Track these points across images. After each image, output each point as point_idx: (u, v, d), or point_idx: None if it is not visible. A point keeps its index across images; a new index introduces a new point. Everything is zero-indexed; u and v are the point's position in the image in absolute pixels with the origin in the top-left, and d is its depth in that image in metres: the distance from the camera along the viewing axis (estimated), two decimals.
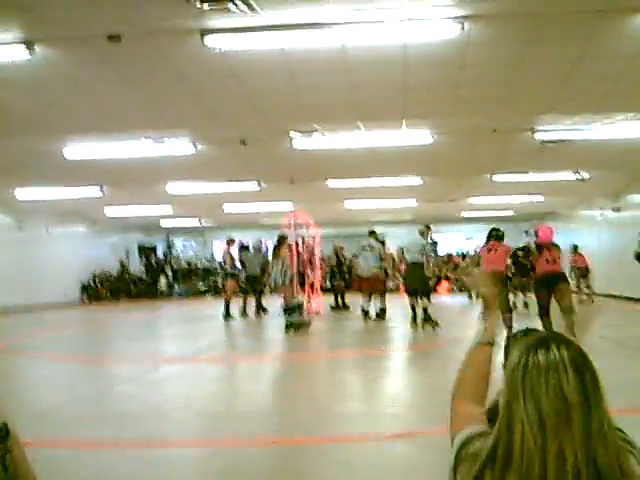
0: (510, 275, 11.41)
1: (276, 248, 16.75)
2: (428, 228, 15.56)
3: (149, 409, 7.51)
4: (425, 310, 14.19)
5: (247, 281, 19.57)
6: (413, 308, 14.55)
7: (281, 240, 16.70)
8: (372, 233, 17.23)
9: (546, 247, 10.36)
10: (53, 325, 18.98)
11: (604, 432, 1.56)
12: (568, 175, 17.82)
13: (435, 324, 13.85)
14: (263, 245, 20.64)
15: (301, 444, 5.87)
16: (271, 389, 8.75)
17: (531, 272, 10.64)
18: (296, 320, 15.25)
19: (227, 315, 18.27)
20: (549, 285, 10.23)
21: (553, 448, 1.54)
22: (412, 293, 14.60)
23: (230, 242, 19.95)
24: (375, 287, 16.61)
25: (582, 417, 1.55)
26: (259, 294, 19.29)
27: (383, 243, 17.69)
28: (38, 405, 6.83)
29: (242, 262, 19.99)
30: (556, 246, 10.53)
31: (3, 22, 7.22)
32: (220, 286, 26.91)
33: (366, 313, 16.35)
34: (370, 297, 16.53)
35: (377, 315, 16.43)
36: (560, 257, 10.54)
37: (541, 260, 10.31)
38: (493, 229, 11.66)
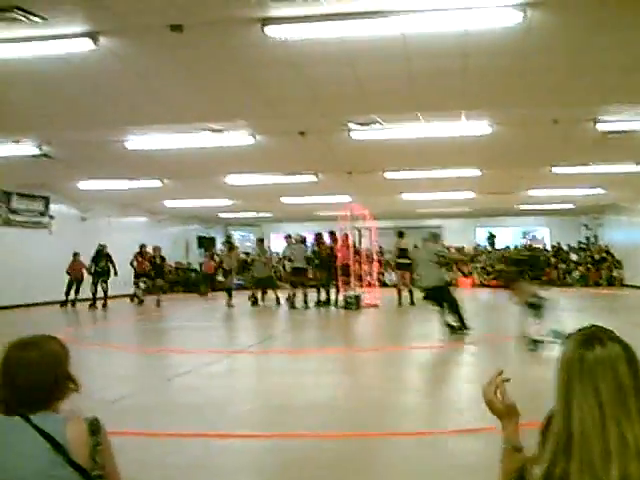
0: None
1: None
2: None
3: (212, 400, 7.59)
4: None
5: (293, 274, 19.85)
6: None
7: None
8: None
9: None
10: (115, 315, 19.34)
11: None
12: (631, 167, 17.43)
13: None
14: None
15: (365, 438, 5.85)
16: (334, 382, 8.72)
17: None
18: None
19: (292, 306, 18.90)
20: None
21: (613, 430, 1.71)
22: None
23: (289, 237, 20.52)
24: None
25: (636, 402, 1.75)
26: (322, 287, 19.41)
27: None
28: (105, 394, 6.94)
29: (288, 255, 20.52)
30: None
31: (68, 14, 7.38)
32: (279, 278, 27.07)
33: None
34: None
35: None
36: None
37: None
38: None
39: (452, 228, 33.82)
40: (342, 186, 21.06)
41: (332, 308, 18.80)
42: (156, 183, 19.87)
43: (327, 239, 19.99)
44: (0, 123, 12.30)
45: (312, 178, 19.03)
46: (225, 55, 8.68)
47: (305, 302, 18.99)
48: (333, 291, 19.31)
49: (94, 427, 2.26)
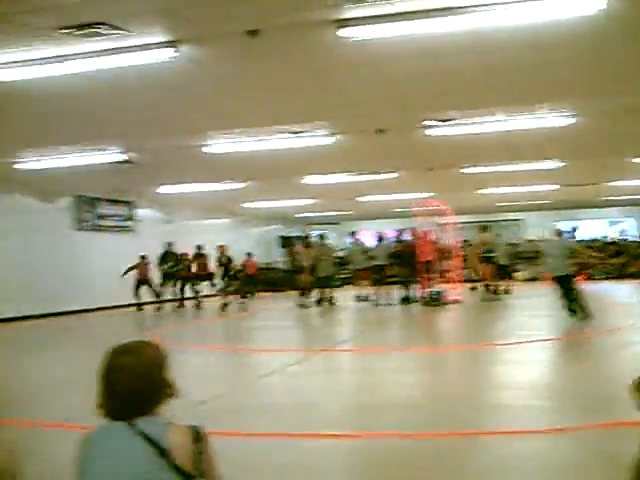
0: None
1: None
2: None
3: (300, 399, 7.66)
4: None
5: (374, 272, 19.80)
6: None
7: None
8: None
9: None
10: (205, 315, 19.70)
11: None
12: None
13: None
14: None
15: (455, 437, 5.77)
16: (421, 380, 8.69)
17: None
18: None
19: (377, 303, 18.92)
20: None
21: None
22: None
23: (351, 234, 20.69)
24: None
25: None
26: (404, 284, 19.36)
27: None
28: (195, 395, 6.99)
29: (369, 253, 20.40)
30: None
31: (149, 24, 7.57)
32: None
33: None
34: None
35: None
36: None
37: None
38: None
39: (532, 221, 33.24)
40: (421, 182, 20.99)
41: (415, 305, 18.74)
42: (237, 185, 20.18)
43: (408, 236, 19.94)
44: (86, 133, 12.72)
45: (391, 175, 19.01)
46: (301, 57, 8.76)
47: (388, 300, 18.99)
48: (415, 288, 19.23)
49: (197, 434, 2.29)
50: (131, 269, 20.50)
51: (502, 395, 7.64)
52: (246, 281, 23.52)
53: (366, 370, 9.68)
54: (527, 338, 11.54)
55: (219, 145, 14.13)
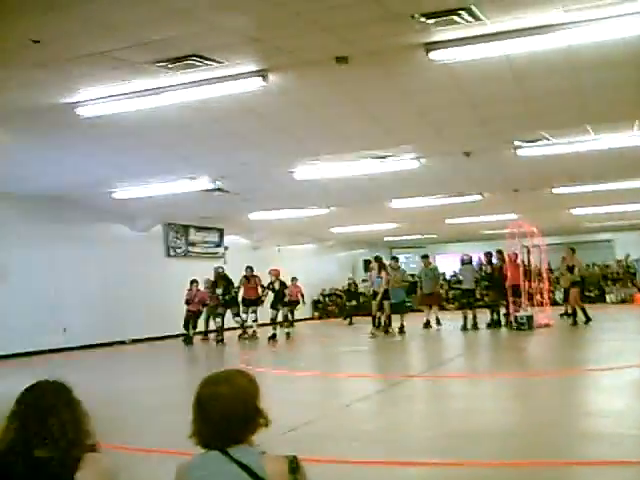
0: None
1: None
2: None
3: (390, 426, 7.62)
4: None
5: (462, 296, 19.51)
6: None
7: None
8: None
9: None
10: (290, 340, 19.73)
11: None
12: None
13: None
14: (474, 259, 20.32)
15: (551, 467, 5.63)
16: (511, 407, 8.49)
17: None
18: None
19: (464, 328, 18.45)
20: None
21: None
22: None
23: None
24: None
25: None
26: (491, 307, 19.04)
27: None
28: (285, 421, 6.90)
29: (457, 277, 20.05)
30: None
31: (239, 54, 7.77)
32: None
33: None
34: None
35: None
36: None
37: None
38: None
39: (622, 241, 32.26)
40: (507, 204, 20.71)
41: (503, 329, 18.40)
42: (323, 211, 20.35)
43: (494, 258, 19.60)
44: (178, 162, 13.08)
45: (477, 198, 18.83)
46: (390, 82, 8.83)
47: (474, 324, 18.69)
48: (503, 311, 18.89)
49: (294, 465, 2.32)
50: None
51: (598, 423, 7.35)
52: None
53: (456, 396, 9.52)
54: (621, 363, 11.15)
55: (306, 171, 14.30)
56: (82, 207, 18.20)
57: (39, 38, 6.88)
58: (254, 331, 18.84)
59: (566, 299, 19.46)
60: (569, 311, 19.06)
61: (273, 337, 18.11)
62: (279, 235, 26.77)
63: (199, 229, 23.25)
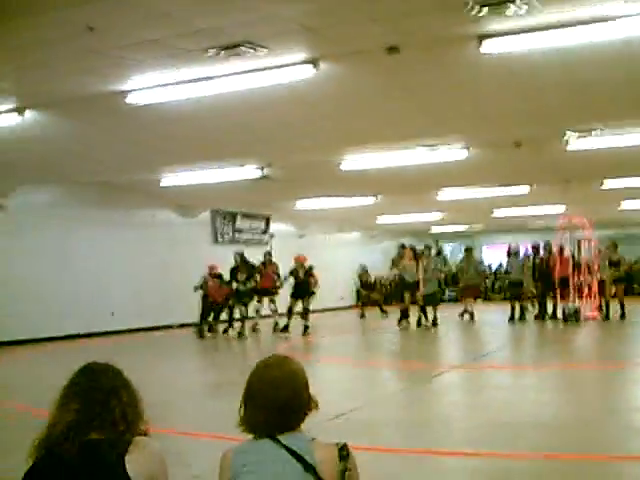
0: None
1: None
2: None
3: (437, 416, 7.67)
4: None
5: (510, 287, 19.37)
6: None
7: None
8: None
9: None
10: (335, 329, 19.81)
11: None
12: None
13: None
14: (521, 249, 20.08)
15: (599, 460, 5.58)
16: (556, 399, 8.44)
17: None
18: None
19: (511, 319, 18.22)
20: None
21: None
22: None
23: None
24: None
25: None
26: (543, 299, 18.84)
27: None
28: (332, 409, 7.01)
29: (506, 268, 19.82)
30: None
31: (291, 43, 7.77)
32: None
33: None
34: None
35: None
36: None
37: None
38: None
39: None
40: (557, 196, 20.40)
41: (550, 322, 18.23)
42: (370, 200, 20.29)
43: (542, 250, 19.37)
44: (227, 150, 13.16)
45: (525, 189, 18.60)
46: (442, 72, 8.76)
47: (522, 315, 18.53)
48: (550, 304, 18.70)
49: (344, 452, 2.32)
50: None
51: None
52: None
53: (502, 387, 9.50)
54: None
55: (354, 160, 14.26)
56: (131, 193, 18.51)
57: (94, 25, 6.96)
58: (256, 323, 18.01)
59: (600, 292, 19.11)
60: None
61: (285, 328, 16.73)
62: (326, 224, 26.78)
63: (246, 216, 23.44)
